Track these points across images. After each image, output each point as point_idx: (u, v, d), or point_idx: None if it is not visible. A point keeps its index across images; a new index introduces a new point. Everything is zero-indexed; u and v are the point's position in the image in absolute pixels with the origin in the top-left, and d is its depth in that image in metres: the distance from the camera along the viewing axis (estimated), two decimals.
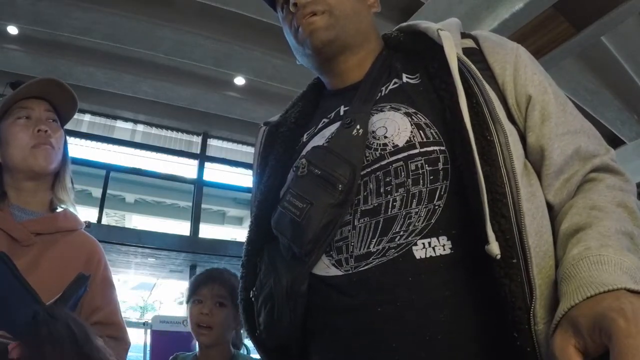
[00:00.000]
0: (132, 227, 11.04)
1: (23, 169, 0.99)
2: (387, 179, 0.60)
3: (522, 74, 0.64)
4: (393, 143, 0.61)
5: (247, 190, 9.01)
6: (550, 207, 0.59)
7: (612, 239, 0.49)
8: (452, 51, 0.61)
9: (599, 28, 3.33)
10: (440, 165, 0.58)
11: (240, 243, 0.76)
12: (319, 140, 0.71)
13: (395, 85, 0.69)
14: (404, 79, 0.69)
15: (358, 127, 0.63)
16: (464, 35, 0.71)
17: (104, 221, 8.35)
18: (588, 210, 0.54)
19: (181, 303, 14.83)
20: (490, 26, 3.16)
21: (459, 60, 0.61)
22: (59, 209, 1.09)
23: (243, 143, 8.71)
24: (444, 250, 0.56)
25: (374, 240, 0.58)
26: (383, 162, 0.61)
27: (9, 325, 0.77)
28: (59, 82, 1.08)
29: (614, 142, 5.67)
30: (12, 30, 5.38)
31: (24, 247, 0.93)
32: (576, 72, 4.73)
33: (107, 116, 7.61)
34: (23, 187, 1.00)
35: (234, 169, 8.95)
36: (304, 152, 0.70)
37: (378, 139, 0.63)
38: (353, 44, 0.73)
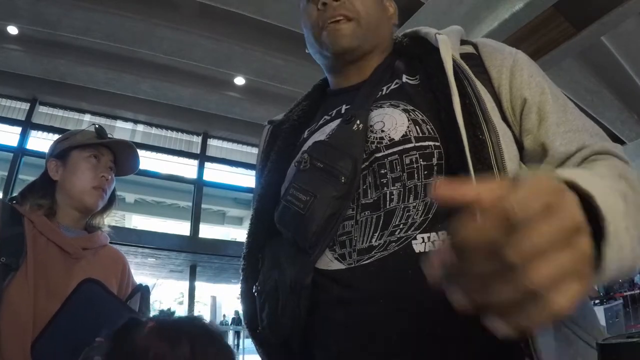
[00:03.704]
0: (132, 227, 11.04)
1: (77, 199, 1.14)
2: (382, 171, 0.61)
3: (517, 77, 0.64)
4: (389, 137, 0.63)
5: (247, 190, 9.04)
6: None
7: (603, 178, 0.45)
8: (448, 53, 0.63)
9: (599, 28, 3.33)
10: (435, 161, 0.59)
11: (240, 243, 0.76)
12: (320, 136, 0.72)
13: (396, 85, 0.71)
14: (404, 79, 0.71)
15: (358, 122, 0.65)
16: (464, 42, 0.73)
17: (104, 221, 8.32)
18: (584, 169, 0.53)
19: (181, 303, 14.84)
20: (490, 26, 3.16)
21: (454, 61, 0.62)
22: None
23: (243, 143, 8.72)
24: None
25: (376, 234, 0.59)
26: (378, 155, 0.62)
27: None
28: (134, 148, 1.26)
29: (614, 142, 5.67)
30: (12, 30, 5.38)
31: (74, 259, 1.07)
32: (576, 72, 4.74)
33: (107, 116, 7.62)
34: (70, 213, 1.14)
35: (234, 169, 8.96)
36: (305, 148, 0.71)
37: (375, 133, 0.64)
38: (369, 52, 0.76)
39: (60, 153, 1.17)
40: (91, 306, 0.92)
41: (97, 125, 1.22)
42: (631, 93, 5.13)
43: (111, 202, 1.26)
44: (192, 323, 0.67)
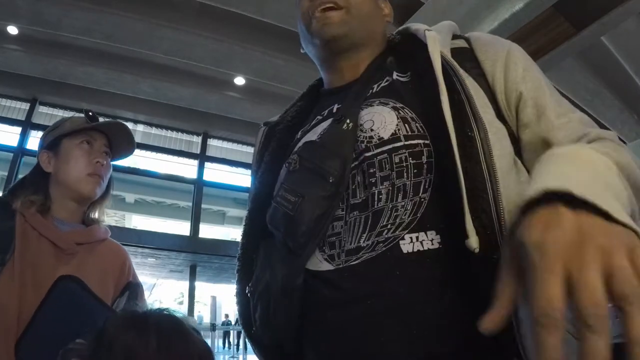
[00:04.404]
0: (132, 227, 11.05)
1: (73, 189, 1.08)
2: (371, 171, 0.60)
3: (512, 70, 0.64)
4: (379, 136, 0.62)
5: (247, 190, 9.00)
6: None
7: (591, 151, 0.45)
8: (436, 49, 0.62)
9: (599, 28, 3.33)
10: (424, 159, 0.59)
11: None
12: (312, 136, 0.71)
13: (387, 83, 0.70)
14: (395, 77, 0.70)
15: (348, 121, 0.64)
16: (457, 37, 0.72)
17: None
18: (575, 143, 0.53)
19: (181, 303, 14.85)
20: (490, 26, 3.16)
21: (443, 58, 0.62)
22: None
23: (243, 143, 8.72)
24: (432, 244, 0.56)
25: (364, 235, 0.59)
26: (368, 154, 0.61)
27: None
28: (127, 129, 1.19)
29: None
30: (12, 30, 5.38)
31: (67, 255, 1.01)
32: (576, 72, 4.74)
33: (107, 116, 7.61)
34: (66, 204, 1.09)
35: (234, 169, 8.96)
36: (296, 148, 0.71)
37: (365, 132, 0.64)
38: (359, 44, 0.75)
39: (50, 144, 1.11)
40: (70, 304, 0.89)
41: (88, 111, 1.16)
42: (631, 93, 5.14)
43: (108, 190, 1.19)
44: (160, 314, 0.68)
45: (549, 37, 3.39)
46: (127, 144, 1.20)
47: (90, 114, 1.16)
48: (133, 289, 1.08)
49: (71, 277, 0.92)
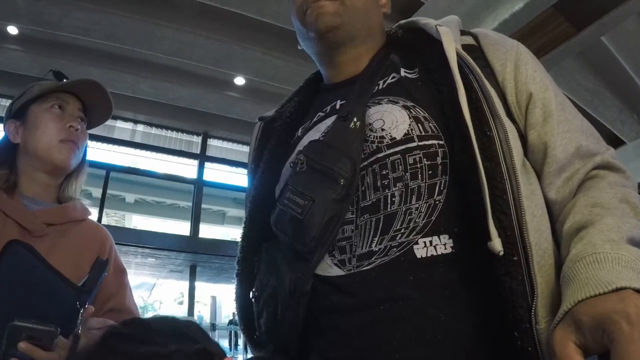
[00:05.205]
0: (132, 227, 11.05)
1: (43, 159, 0.96)
2: (384, 172, 0.59)
3: (522, 71, 0.63)
4: (390, 136, 0.60)
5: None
6: (552, 204, 0.59)
7: (612, 233, 0.49)
8: (451, 46, 0.60)
9: (599, 28, 3.33)
10: (439, 160, 0.58)
11: None
12: (314, 134, 0.69)
13: (394, 80, 0.69)
14: (402, 74, 0.68)
15: (355, 120, 0.62)
16: (463, 33, 0.71)
17: (104, 221, 8.35)
18: (590, 208, 0.54)
19: (181, 303, 14.84)
20: (490, 26, 3.16)
21: (458, 55, 0.60)
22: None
23: (243, 143, 8.71)
24: (445, 249, 0.55)
25: (376, 238, 0.57)
26: (380, 155, 0.60)
27: (53, 312, 0.79)
28: (103, 88, 1.06)
29: (614, 142, 5.66)
30: (12, 30, 5.38)
31: (35, 238, 0.89)
32: (576, 72, 4.73)
33: None
34: (37, 178, 0.98)
35: (234, 169, 8.95)
36: (300, 147, 0.69)
37: (375, 132, 0.62)
38: (356, 37, 0.72)
39: (18, 112, 0.99)
40: (21, 273, 0.81)
41: (55, 71, 1.06)
42: (631, 93, 5.13)
43: (83, 162, 1.06)
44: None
45: (549, 37, 3.38)
46: (104, 108, 1.08)
47: (57, 71, 1.04)
48: (98, 263, 0.94)
49: (21, 242, 0.83)
